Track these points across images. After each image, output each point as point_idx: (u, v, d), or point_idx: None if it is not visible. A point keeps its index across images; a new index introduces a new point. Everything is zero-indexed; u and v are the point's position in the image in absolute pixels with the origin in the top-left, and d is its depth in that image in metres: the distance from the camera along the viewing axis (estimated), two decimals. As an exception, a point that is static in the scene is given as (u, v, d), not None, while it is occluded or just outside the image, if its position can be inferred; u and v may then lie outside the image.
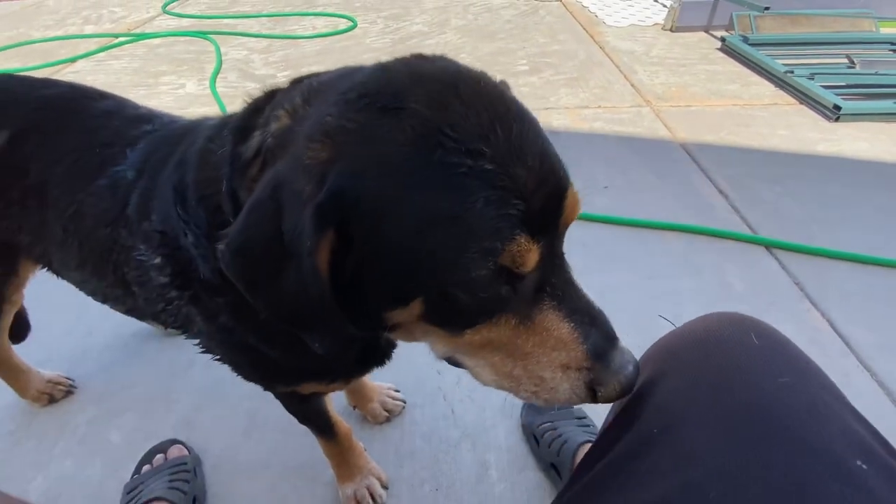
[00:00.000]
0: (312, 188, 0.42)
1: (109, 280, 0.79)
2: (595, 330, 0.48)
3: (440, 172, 0.42)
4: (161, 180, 0.68)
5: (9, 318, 1.08)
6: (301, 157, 0.44)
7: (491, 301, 0.46)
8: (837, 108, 2.35)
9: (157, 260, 0.69)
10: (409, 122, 0.43)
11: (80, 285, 0.89)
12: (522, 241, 0.43)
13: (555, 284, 0.48)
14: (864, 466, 0.36)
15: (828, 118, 2.40)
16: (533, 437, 1.11)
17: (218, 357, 0.79)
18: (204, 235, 0.60)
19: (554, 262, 0.48)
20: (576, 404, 0.50)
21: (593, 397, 0.47)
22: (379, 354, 0.74)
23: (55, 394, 1.26)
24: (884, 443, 0.40)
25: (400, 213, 0.42)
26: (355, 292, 0.47)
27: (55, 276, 0.94)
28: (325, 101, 0.48)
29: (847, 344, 1.35)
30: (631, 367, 0.47)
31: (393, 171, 0.42)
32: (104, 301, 0.89)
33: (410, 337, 0.56)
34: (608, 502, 0.43)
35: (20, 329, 1.17)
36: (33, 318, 1.22)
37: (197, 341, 0.80)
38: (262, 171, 0.50)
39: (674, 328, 0.54)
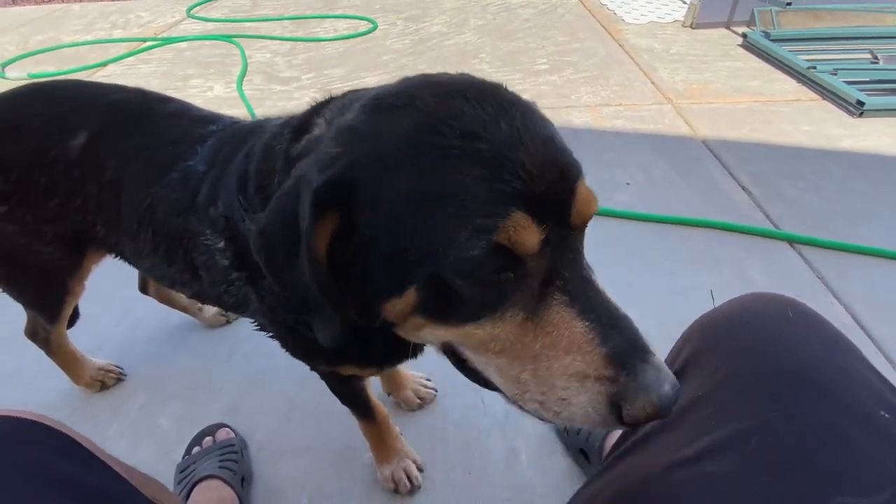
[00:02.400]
0: (316, 177, 0.45)
1: (179, 265, 0.86)
2: (617, 334, 0.42)
3: (433, 155, 0.42)
4: (229, 171, 0.75)
5: (69, 309, 1.16)
6: (320, 153, 0.49)
7: (492, 289, 0.43)
8: (861, 103, 2.34)
9: (221, 243, 0.75)
10: (408, 115, 0.45)
11: (150, 271, 0.97)
12: (518, 217, 0.41)
13: (567, 279, 0.44)
14: (887, 416, 0.40)
15: (851, 114, 2.39)
16: (561, 425, 1.15)
17: (271, 334, 0.85)
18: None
19: (566, 254, 0.44)
20: (596, 427, 0.42)
21: (618, 416, 0.40)
22: (407, 348, 0.70)
23: (107, 381, 1.34)
24: None
25: (394, 196, 0.43)
26: (358, 282, 0.48)
27: (127, 263, 1.01)
28: (351, 110, 0.53)
29: (871, 339, 1.37)
30: (668, 387, 0.40)
31: (388, 156, 0.44)
32: (172, 285, 0.96)
33: (412, 333, 0.52)
34: (657, 448, 0.47)
35: (71, 316, 1.25)
36: (84, 310, 1.30)
37: (252, 321, 0.87)
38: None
39: (714, 307, 0.58)
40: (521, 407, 0.47)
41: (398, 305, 0.47)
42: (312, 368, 0.91)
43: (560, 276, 0.44)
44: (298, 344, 0.80)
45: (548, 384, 0.42)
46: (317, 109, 0.65)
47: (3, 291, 1.09)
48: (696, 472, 0.42)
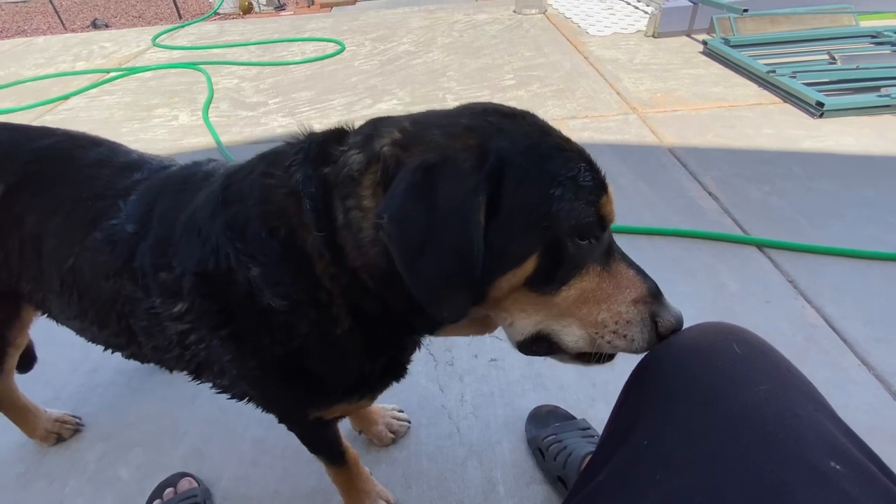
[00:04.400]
0: (473, 162, 0.52)
1: (112, 329, 0.82)
2: (646, 277, 0.61)
3: (554, 150, 0.56)
4: (183, 228, 0.70)
5: (14, 361, 1.10)
6: (448, 147, 0.54)
7: (586, 250, 0.57)
8: (821, 104, 2.40)
9: (179, 307, 0.71)
10: (524, 122, 0.59)
11: (80, 332, 0.91)
12: (607, 197, 0.58)
13: (616, 248, 0.62)
14: (838, 468, 0.38)
15: (812, 115, 2.44)
16: (538, 451, 1.12)
17: (232, 395, 0.82)
18: (278, 263, 0.63)
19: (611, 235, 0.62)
20: (644, 345, 0.58)
21: (656, 331, 0.58)
22: (400, 368, 0.78)
23: (63, 433, 1.27)
24: (858, 442, 0.43)
25: (534, 177, 0.54)
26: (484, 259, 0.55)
27: (55, 322, 0.96)
28: (442, 118, 0.60)
29: (843, 339, 1.37)
30: (678, 310, 0.60)
31: (525, 149, 0.55)
32: (105, 348, 0.91)
33: (505, 310, 0.61)
34: None
35: (26, 360, 1.19)
36: (41, 355, 1.24)
37: (210, 385, 0.84)
38: (385, 174, 0.56)
39: (659, 344, 0.56)
40: (593, 353, 0.60)
41: (515, 276, 0.56)
42: (283, 419, 0.87)
43: (614, 245, 0.61)
44: (292, 389, 0.74)
45: (616, 313, 0.57)
46: (326, 139, 0.64)
47: None
48: None
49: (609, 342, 0.58)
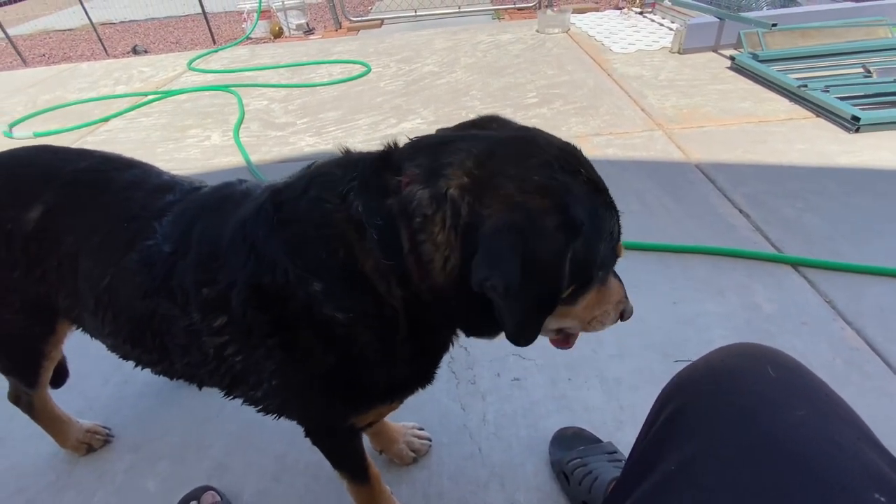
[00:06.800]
0: (556, 224, 0.59)
1: (146, 347, 0.84)
2: (622, 286, 0.77)
3: (604, 210, 0.66)
4: (230, 244, 0.73)
5: (48, 374, 1.13)
6: (527, 206, 0.60)
7: (603, 275, 0.71)
8: (856, 119, 2.32)
9: (220, 321, 0.74)
10: (583, 179, 0.65)
11: (113, 349, 0.94)
12: (621, 242, 0.71)
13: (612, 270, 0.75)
14: (882, 499, 0.35)
15: (847, 130, 2.37)
16: (563, 475, 1.09)
17: (263, 407, 0.85)
18: (339, 280, 0.68)
19: None
20: (612, 321, 0.76)
21: (619, 318, 0.77)
22: (430, 374, 0.83)
23: (93, 443, 1.30)
24: None
25: (593, 237, 0.64)
26: None
27: (89, 336, 0.99)
28: (506, 165, 0.63)
29: (887, 363, 1.30)
30: (632, 305, 0.78)
31: (590, 212, 0.63)
32: (136, 364, 0.93)
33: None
34: None
35: (59, 376, 1.22)
36: (74, 367, 1.27)
37: (241, 399, 0.87)
38: (456, 218, 0.61)
39: (690, 362, 0.54)
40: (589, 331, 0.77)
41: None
42: (315, 429, 0.90)
43: (612, 267, 0.74)
44: (335, 391, 0.78)
45: (605, 311, 0.74)
46: (376, 168, 0.67)
47: None
48: None
49: (592, 327, 0.76)
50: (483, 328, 0.70)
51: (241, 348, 0.76)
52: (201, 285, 0.75)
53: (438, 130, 0.76)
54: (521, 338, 0.64)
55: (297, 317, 0.70)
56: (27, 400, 1.19)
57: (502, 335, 0.67)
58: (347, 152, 0.74)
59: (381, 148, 0.71)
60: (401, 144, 0.71)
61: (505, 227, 0.58)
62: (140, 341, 0.84)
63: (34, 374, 1.10)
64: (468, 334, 0.73)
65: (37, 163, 0.92)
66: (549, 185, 0.61)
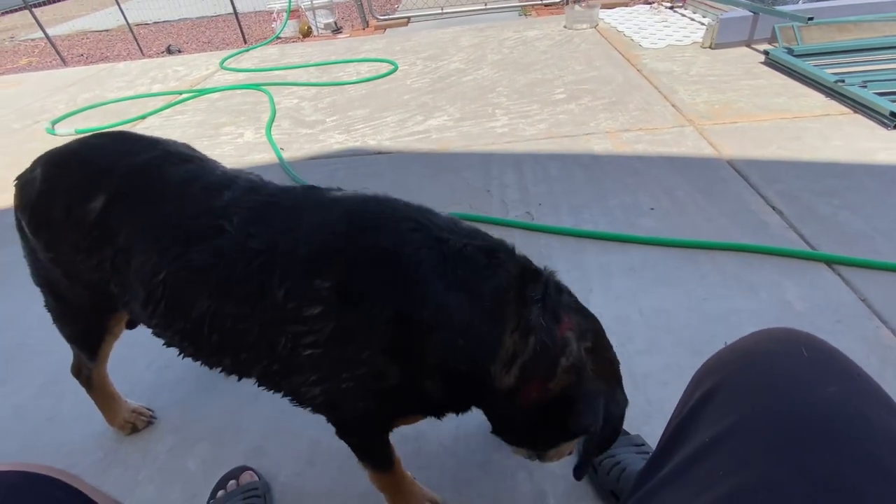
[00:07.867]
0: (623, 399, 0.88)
1: (199, 341, 0.89)
2: None
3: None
4: (373, 264, 0.79)
5: (109, 348, 1.21)
6: (608, 391, 0.83)
7: None
8: (895, 114, 2.25)
9: (315, 310, 0.78)
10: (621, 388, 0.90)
11: (158, 336, 0.98)
12: None
13: None
14: None
15: (885, 126, 2.30)
16: (591, 466, 1.10)
17: (305, 401, 0.91)
18: (485, 348, 0.80)
19: None
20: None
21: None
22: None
23: (138, 423, 1.37)
24: None
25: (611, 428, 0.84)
26: None
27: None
28: (605, 347, 0.87)
29: (926, 363, 1.27)
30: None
31: (619, 415, 0.86)
32: (180, 353, 0.98)
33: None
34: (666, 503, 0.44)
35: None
36: (120, 352, 1.34)
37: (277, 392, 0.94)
38: (580, 375, 0.80)
39: (725, 345, 0.55)
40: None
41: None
42: (344, 428, 0.96)
43: None
44: (392, 402, 0.87)
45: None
46: (521, 293, 0.81)
47: (54, 324, 1.16)
48: None
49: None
50: (510, 433, 0.92)
51: (321, 343, 0.78)
52: (313, 276, 0.78)
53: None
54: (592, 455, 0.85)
55: (419, 348, 0.78)
56: (87, 374, 1.27)
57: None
58: (544, 285, 0.84)
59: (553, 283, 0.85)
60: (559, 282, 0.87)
61: (610, 400, 0.82)
62: (192, 335, 0.88)
63: (96, 347, 1.17)
64: (497, 431, 0.93)
65: (109, 151, 0.97)
66: (616, 364, 0.87)
